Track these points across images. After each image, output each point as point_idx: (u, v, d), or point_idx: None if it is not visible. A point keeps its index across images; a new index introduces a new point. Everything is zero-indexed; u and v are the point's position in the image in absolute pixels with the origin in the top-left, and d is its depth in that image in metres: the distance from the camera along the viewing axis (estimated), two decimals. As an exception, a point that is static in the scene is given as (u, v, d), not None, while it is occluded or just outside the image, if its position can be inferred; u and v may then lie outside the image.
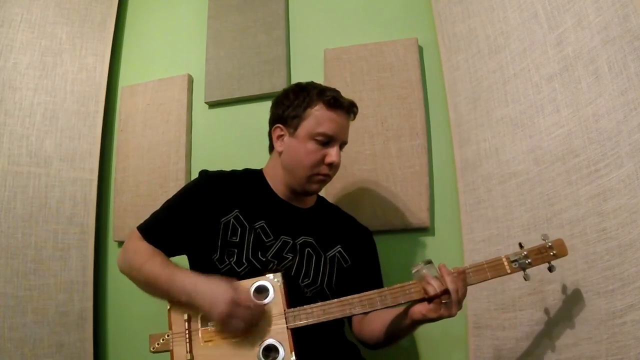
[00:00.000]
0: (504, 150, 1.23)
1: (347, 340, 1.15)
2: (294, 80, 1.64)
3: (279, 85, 1.62)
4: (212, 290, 0.89)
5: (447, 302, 0.86)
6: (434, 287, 0.87)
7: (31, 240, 1.52)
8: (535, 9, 1.13)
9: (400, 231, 1.43)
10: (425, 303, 0.89)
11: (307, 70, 1.65)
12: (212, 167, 1.22)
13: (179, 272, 0.96)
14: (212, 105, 1.73)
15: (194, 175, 1.66)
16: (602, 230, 0.92)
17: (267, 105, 1.17)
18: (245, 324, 0.88)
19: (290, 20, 1.72)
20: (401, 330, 0.98)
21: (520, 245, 0.95)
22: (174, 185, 1.65)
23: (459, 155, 1.39)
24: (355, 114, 1.14)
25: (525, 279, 0.93)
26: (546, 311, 1.06)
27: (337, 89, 1.13)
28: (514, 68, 1.20)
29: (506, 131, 1.22)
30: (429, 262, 0.91)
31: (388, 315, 1.00)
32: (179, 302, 0.94)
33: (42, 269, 1.52)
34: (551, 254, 0.93)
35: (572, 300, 0.98)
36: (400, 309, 0.96)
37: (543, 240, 0.94)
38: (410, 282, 0.91)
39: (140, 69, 1.86)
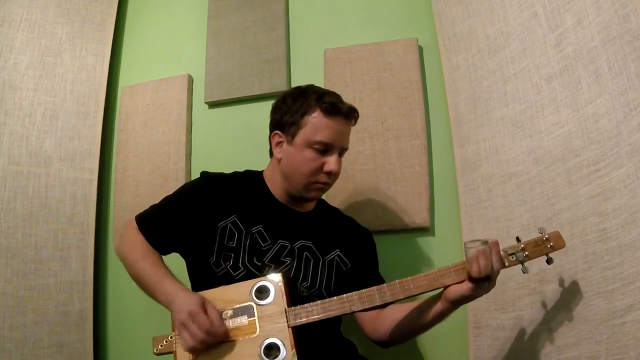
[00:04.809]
0: (504, 150, 1.23)
1: (344, 338, 1.15)
2: (294, 80, 1.65)
3: (279, 86, 1.62)
4: (183, 300, 0.91)
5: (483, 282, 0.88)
6: (479, 270, 0.86)
7: (31, 240, 1.52)
8: (535, 9, 1.13)
9: (400, 231, 1.43)
10: (462, 284, 0.89)
11: (307, 70, 1.65)
12: (212, 167, 1.22)
13: (167, 278, 0.99)
14: (212, 105, 1.73)
15: (194, 175, 1.68)
16: (602, 230, 0.92)
17: (268, 105, 1.17)
18: (194, 341, 0.87)
19: (290, 20, 1.72)
20: (433, 318, 0.96)
21: (518, 239, 0.95)
22: (174, 185, 1.64)
23: (459, 155, 1.39)
24: (355, 119, 1.12)
25: (524, 272, 0.93)
26: (546, 311, 1.06)
27: (337, 89, 1.13)
28: (514, 68, 1.20)
29: (506, 131, 1.22)
30: (485, 242, 0.90)
31: (407, 308, 1.01)
32: (159, 302, 0.97)
33: (42, 269, 1.52)
34: (548, 246, 0.93)
35: (572, 300, 0.98)
36: (424, 299, 0.97)
37: (540, 233, 0.94)
38: (409, 278, 0.93)
39: (140, 69, 1.85)
